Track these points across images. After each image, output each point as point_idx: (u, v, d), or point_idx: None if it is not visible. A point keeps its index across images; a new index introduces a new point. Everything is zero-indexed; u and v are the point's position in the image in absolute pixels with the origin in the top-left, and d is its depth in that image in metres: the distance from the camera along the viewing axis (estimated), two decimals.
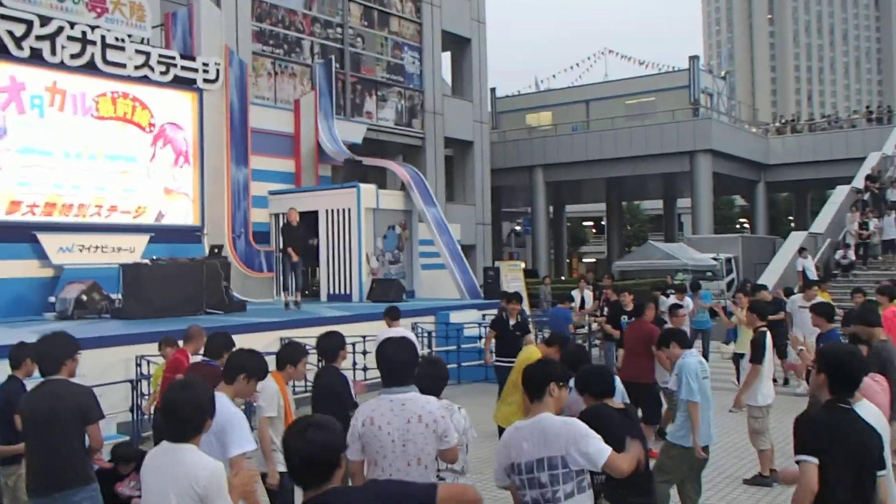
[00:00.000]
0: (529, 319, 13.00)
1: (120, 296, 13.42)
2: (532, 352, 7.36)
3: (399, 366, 4.09)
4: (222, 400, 4.13)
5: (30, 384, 5.44)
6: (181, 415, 3.39)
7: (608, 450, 3.72)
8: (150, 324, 11.62)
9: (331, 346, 5.93)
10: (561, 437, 3.75)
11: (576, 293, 17.81)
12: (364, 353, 10.86)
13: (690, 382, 6.10)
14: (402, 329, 9.71)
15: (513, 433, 3.96)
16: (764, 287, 15.23)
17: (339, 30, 25.04)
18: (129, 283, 13.23)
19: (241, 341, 6.95)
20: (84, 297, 13.30)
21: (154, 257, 14.20)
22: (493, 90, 43.64)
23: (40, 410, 4.70)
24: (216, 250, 15.24)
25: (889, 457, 3.85)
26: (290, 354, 5.72)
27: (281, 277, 17.48)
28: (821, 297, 12.54)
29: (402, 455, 3.93)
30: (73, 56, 14.74)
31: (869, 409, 3.94)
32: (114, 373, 9.61)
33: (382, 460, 3.98)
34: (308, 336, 11.15)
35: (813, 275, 18.96)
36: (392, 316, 9.66)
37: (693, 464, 6.22)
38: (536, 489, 3.77)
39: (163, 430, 3.71)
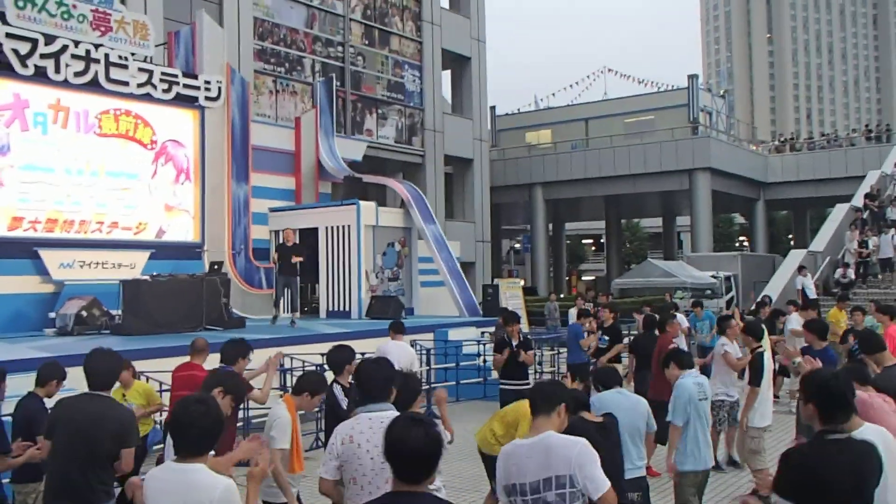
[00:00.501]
0: (530, 338, 13.06)
1: (120, 312, 13.46)
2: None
3: (376, 384, 4.14)
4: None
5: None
6: (197, 430, 3.35)
7: (608, 484, 3.69)
8: (149, 340, 11.65)
9: (339, 359, 6.05)
10: (571, 455, 3.69)
11: (572, 311, 17.87)
12: None
13: (677, 405, 6.11)
14: (405, 343, 9.87)
15: (512, 452, 3.85)
16: (765, 304, 15.28)
17: (340, 48, 25.22)
18: (129, 299, 13.28)
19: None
20: (84, 313, 13.34)
21: (154, 273, 14.26)
22: (492, 108, 43.85)
23: (83, 426, 4.52)
24: (216, 267, 15.29)
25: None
26: (315, 384, 5.45)
27: (273, 294, 17.65)
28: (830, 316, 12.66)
29: (381, 473, 3.90)
30: (76, 74, 14.86)
31: (873, 432, 3.70)
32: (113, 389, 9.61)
33: (362, 478, 3.98)
34: (307, 353, 11.21)
35: (812, 293, 19.05)
36: (396, 329, 9.78)
37: (696, 485, 6.17)
38: None
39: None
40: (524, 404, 6.36)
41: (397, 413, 4.02)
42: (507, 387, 9.19)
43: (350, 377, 5.95)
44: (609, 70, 50.59)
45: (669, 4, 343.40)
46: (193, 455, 3.35)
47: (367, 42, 26.32)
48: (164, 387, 8.51)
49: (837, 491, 3.11)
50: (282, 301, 15.39)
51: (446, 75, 31.84)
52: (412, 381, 4.84)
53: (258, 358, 7.11)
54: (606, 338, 11.52)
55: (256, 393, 6.17)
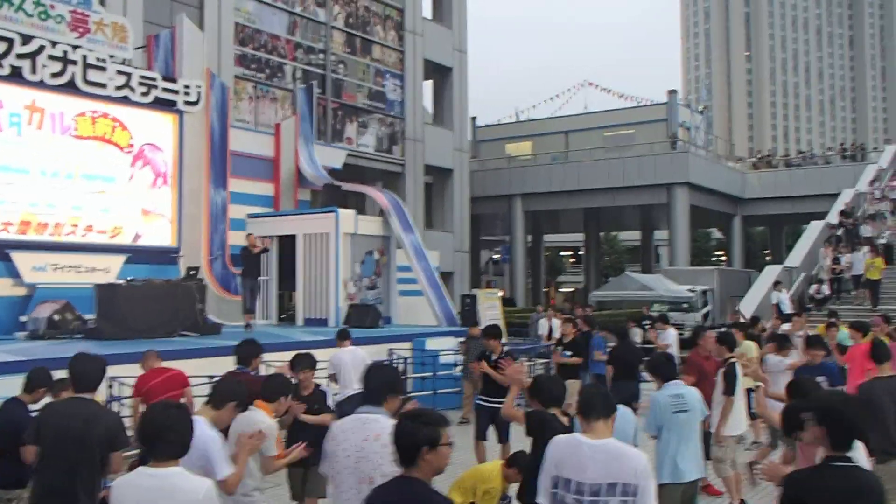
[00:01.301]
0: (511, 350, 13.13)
1: (93, 316, 13.28)
2: (492, 468, 6.43)
3: (372, 386, 4.14)
4: (200, 423, 4.14)
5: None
6: (172, 434, 3.33)
7: (654, 496, 3.75)
8: (123, 345, 11.49)
9: (247, 353, 6.48)
10: (638, 466, 3.71)
11: (543, 322, 17.89)
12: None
13: (648, 417, 6.12)
14: (355, 348, 9.88)
15: (574, 445, 3.84)
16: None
17: (321, 56, 25.16)
18: (103, 303, 13.11)
19: (215, 364, 6.91)
20: (56, 317, 13.15)
21: (129, 278, 14.09)
22: (473, 119, 44.00)
23: (75, 430, 4.48)
24: (192, 272, 15.15)
25: None
26: (282, 387, 5.48)
27: (264, 304, 17.82)
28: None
29: (353, 472, 3.90)
30: (53, 75, 14.70)
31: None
32: None
33: (337, 476, 3.98)
34: (282, 360, 11.08)
35: (787, 308, 19.18)
36: (343, 337, 9.93)
37: (681, 499, 6.07)
38: None
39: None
40: (482, 468, 6.24)
41: (382, 416, 4.03)
42: (483, 403, 8.87)
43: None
44: (590, 84, 51.02)
45: (650, 21, 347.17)
46: (170, 459, 3.31)
47: (348, 50, 26.28)
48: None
49: None
50: (257, 305, 15.39)
51: (427, 85, 31.86)
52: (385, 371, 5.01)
53: (235, 364, 6.99)
54: (569, 353, 11.50)
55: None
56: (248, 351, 6.35)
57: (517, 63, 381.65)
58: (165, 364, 7.91)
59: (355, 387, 9.05)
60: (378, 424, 3.94)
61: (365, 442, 3.91)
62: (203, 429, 4.17)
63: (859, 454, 3.72)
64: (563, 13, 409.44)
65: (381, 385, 4.14)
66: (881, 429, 5.75)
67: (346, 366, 9.27)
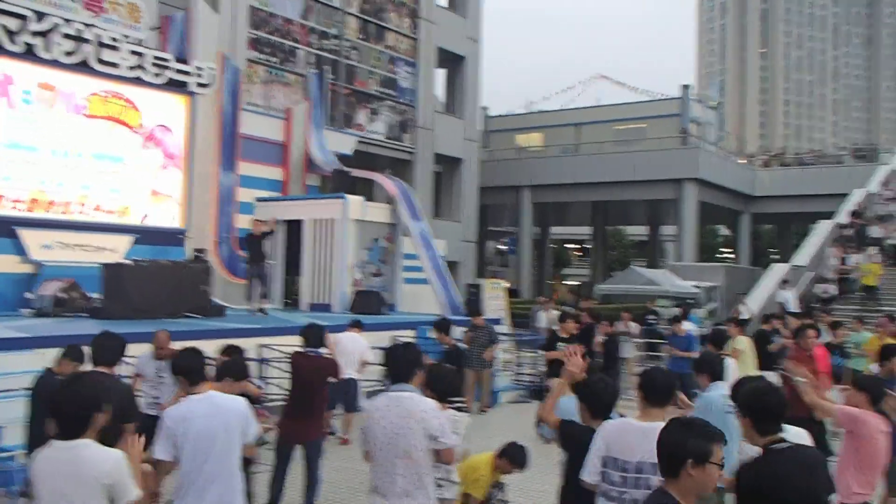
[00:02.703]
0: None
1: (99, 295, 13.35)
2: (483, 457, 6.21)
3: (401, 366, 4.36)
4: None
5: None
6: (71, 410, 3.39)
7: None
8: (128, 324, 11.55)
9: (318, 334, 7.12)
10: None
11: (543, 314, 17.90)
12: None
13: (702, 416, 5.78)
14: (358, 336, 10.61)
15: (624, 429, 3.96)
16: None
17: (334, 41, 25.13)
18: (109, 282, 13.17)
19: (218, 346, 6.93)
20: (63, 295, 13.22)
21: (136, 258, 14.15)
22: (484, 109, 43.90)
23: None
24: (199, 254, 15.21)
25: None
26: (240, 369, 5.77)
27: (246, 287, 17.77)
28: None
29: (391, 448, 4.12)
30: (66, 53, 14.73)
31: (795, 434, 3.92)
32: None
33: (378, 452, 4.19)
34: (286, 344, 11.17)
35: (792, 307, 19.16)
36: (353, 324, 10.81)
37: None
38: (643, 489, 3.73)
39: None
40: (473, 458, 6.00)
41: (415, 393, 4.29)
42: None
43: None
44: (602, 77, 50.82)
45: (666, 15, 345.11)
46: (71, 437, 3.36)
47: (362, 36, 26.23)
48: None
49: (794, 499, 3.08)
50: (257, 291, 15.33)
51: (440, 74, 31.80)
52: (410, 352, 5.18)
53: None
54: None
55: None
56: (317, 335, 7.00)
57: (531, 55, 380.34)
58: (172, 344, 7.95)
59: (348, 371, 9.23)
60: (412, 402, 4.21)
61: (402, 419, 4.13)
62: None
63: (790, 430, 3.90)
64: (579, 6, 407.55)
65: (407, 363, 4.38)
66: None
67: (345, 349, 9.56)
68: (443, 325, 9.38)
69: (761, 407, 3.50)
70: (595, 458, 3.97)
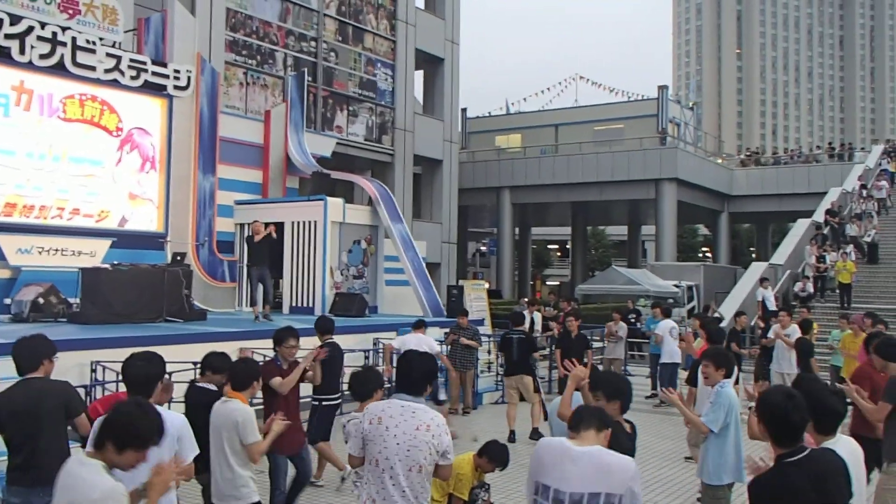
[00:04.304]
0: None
1: (78, 300, 13.22)
2: (465, 457, 6.23)
3: (417, 376, 4.22)
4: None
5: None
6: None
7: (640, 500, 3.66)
8: (107, 329, 11.45)
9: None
10: (627, 475, 3.56)
11: (525, 314, 17.96)
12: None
13: (716, 412, 5.69)
14: (424, 336, 11.17)
15: (558, 451, 3.65)
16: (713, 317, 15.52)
17: (312, 43, 25.07)
18: (87, 287, 13.04)
19: (199, 350, 6.91)
20: (41, 300, 13.07)
21: (115, 262, 14.02)
22: (464, 110, 43.92)
23: (23, 406, 4.73)
24: (179, 258, 15.09)
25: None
26: (252, 372, 5.48)
27: (247, 290, 17.55)
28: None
29: (405, 459, 4.01)
30: (42, 56, 14.58)
31: (846, 448, 3.79)
32: (68, 378, 9.42)
33: (384, 461, 4.05)
34: (268, 348, 11.09)
35: (772, 305, 19.33)
36: (418, 326, 11.38)
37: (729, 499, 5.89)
38: None
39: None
40: (455, 458, 6.14)
41: (426, 406, 4.17)
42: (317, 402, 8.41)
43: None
44: (581, 77, 51.00)
45: (643, 17, 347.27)
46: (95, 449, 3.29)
47: (340, 38, 26.19)
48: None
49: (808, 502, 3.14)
50: (259, 295, 15.15)
51: (419, 75, 31.81)
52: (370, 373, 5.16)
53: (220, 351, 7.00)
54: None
55: (277, 380, 6.51)
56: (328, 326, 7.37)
57: (509, 57, 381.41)
58: (152, 349, 7.86)
59: None
60: (427, 415, 4.09)
61: (417, 431, 4.02)
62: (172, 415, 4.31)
63: (842, 442, 3.81)
64: (556, 8, 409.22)
65: (423, 375, 4.24)
66: None
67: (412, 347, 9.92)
68: (322, 326, 8.65)
69: (782, 419, 3.32)
70: (529, 482, 3.74)
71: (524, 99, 65.84)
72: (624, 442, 4.32)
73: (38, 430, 4.73)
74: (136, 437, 3.25)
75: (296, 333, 6.92)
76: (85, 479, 3.19)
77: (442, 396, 11.14)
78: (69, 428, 5.00)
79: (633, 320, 19.18)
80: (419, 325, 11.56)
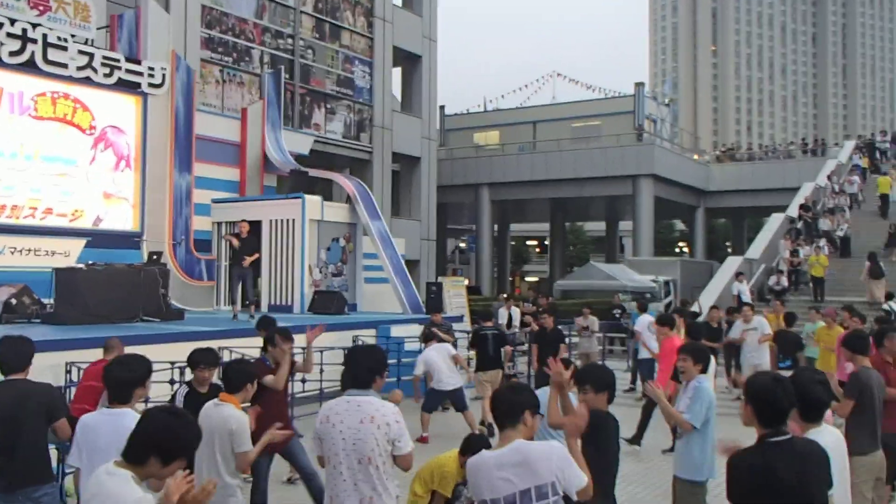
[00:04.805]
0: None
1: (52, 300, 13.06)
2: (448, 454, 6.17)
3: (361, 370, 4.25)
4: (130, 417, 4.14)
5: None
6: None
7: (585, 477, 3.59)
8: (82, 330, 11.32)
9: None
10: (551, 461, 3.51)
11: (503, 311, 18.05)
12: None
13: (699, 408, 5.63)
14: (439, 344, 11.12)
15: (480, 465, 3.61)
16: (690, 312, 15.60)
17: (289, 41, 24.92)
18: (62, 287, 12.87)
19: (177, 350, 6.85)
20: (13, 301, 12.89)
21: (90, 262, 13.86)
22: (442, 108, 43.89)
23: (6, 408, 4.65)
24: (155, 257, 14.95)
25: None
26: (245, 374, 5.31)
27: (226, 289, 17.48)
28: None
29: (352, 453, 4.05)
30: (12, 53, 14.39)
31: (830, 437, 3.87)
32: (42, 379, 9.29)
33: (334, 457, 4.11)
34: (245, 346, 11.03)
35: (747, 298, 19.48)
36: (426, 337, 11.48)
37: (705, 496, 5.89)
38: None
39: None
40: (439, 456, 6.06)
41: (373, 397, 4.17)
42: None
43: None
44: (558, 75, 51.15)
45: (620, 14, 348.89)
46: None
47: (317, 36, 26.05)
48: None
49: (783, 491, 3.20)
50: (238, 293, 15.03)
51: (396, 73, 31.72)
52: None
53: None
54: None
55: (269, 378, 6.38)
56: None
57: (488, 56, 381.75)
58: (129, 349, 7.78)
59: (443, 379, 10.43)
60: (372, 406, 4.10)
61: (361, 424, 4.05)
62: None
63: (826, 432, 3.89)
64: (534, 11, 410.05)
65: (367, 369, 4.25)
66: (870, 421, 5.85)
67: (437, 363, 10.55)
68: (263, 324, 8.55)
69: (769, 400, 3.40)
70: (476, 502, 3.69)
71: (502, 96, 65.94)
72: (611, 432, 4.36)
73: (18, 432, 4.65)
74: (182, 448, 3.12)
75: (291, 337, 6.81)
76: (113, 491, 3.06)
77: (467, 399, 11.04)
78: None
79: (618, 316, 19.26)
80: (430, 338, 11.31)
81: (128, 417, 4.08)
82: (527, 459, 3.50)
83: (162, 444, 3.07)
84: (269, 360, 6.74)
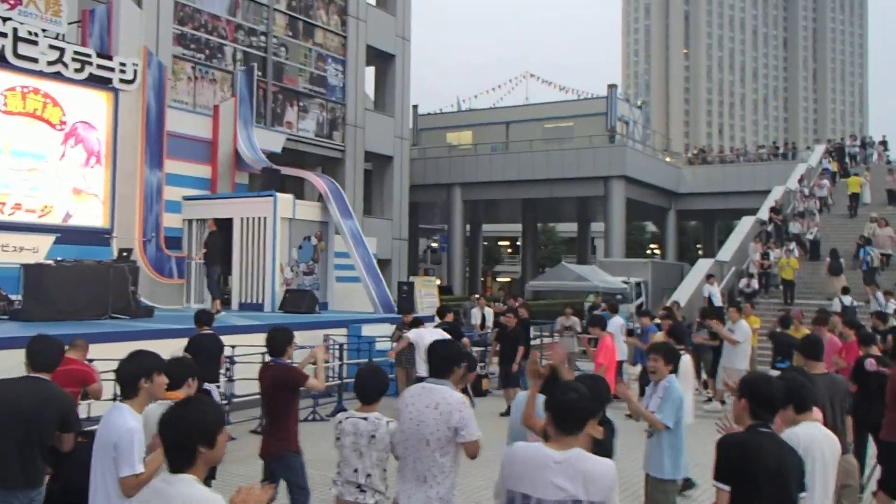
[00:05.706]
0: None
1: (20, 297, 12.92)
2: None
3: (438, 360, 4.63)
4: (123, 411, 4.10)
5: None
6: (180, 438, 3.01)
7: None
8: (50, 326, 11.21)
9: (281, 340, 6.18)
10: (607, 481, 3.35)
11: (476, 311, 18.13)
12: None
13: (671, 407, 5.73)
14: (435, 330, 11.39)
15: (532, 459, 3.42)
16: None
17: (262, 38, 24.82)
18: (30, 283, 12.74)
19: (147, 348, 6.78)
20: None
21: (59, 258, 13.73)
22: (415, 107, 43.94)
23: (26, 407, 4.59)
24: (125, 254, 14.83)
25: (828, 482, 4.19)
26: (186, 369, 5.11)
27: (196, 286, 17.49)
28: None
29: (415, 433, 4.44)
30: None
31: (814, 429, 4.29)
32: (7, 376, 9.22)
33: (401, 434, 4.55)
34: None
35: (718, 301, 19.73)
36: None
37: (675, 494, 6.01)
38: None
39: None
40: None
41: (445, 386, 4.50)
42: None
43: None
44: (531, 76, 51.37)
45: (593, 16, 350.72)
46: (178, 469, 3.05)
47: (290, 33, 25.97)
48: None
49: (765, 472, 3.56)
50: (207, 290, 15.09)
51: (370, 71, 31.69)
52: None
53: (167, 347, 6.92)
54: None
55: (312, 382, 6.17)
56: (282, 340, 6.13)
57: (461, 56, 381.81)
58: (97, 346, 7.75)
59: (421, 365, 10.60)
60: (440, 394, 4.46)
61: (426, 408, 4.43)
62: (124, 418, 4.02)
63: (811, 425, 4.32)
64: (508, 7, 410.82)
65: (445, 359, 4.62)
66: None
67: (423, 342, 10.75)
68: (200, 318, 8.67)
69: (763, 395, 3.81)
70: (501, 489, 3.54)
71: (475, 96, 65.96)
72: (608, 440, 4.44)
73: (37, 431, 4.60)
74: (215, 430, 3.05)
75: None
76: (183, 492, 2.96)
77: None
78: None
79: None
80: (419, 322, 12.44)
81: (120, 412, 4.08)
82: (590, 473, 3.34)
83: (206, 433, 3.04)
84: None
